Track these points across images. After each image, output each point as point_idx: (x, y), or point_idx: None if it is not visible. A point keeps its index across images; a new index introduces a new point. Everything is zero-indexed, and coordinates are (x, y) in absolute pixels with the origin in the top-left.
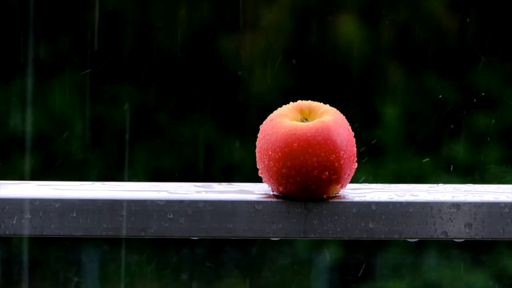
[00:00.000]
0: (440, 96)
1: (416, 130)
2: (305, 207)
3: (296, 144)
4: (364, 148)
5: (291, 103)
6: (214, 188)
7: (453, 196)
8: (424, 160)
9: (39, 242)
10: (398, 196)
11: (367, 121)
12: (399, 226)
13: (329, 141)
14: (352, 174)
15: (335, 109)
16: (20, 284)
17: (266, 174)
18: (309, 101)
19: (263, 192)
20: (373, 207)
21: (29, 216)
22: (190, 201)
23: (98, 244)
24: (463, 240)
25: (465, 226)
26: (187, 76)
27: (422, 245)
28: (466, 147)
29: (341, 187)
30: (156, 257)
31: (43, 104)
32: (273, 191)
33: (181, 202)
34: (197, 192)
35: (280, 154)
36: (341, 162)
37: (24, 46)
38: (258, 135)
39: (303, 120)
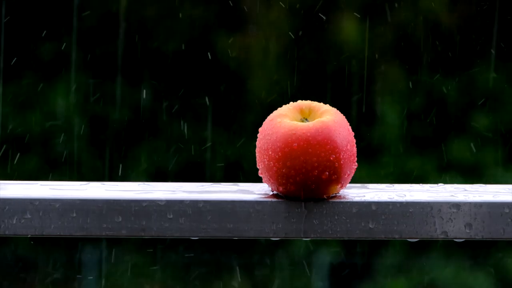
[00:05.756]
0: (440, 96)
1: (416, 130)
2: (305, 207)
3: (296, 144)
4: (364, 148)
5: (291, 103)
6: (214, 188)
7: (453, 196)
8: (424, 160)
9: (39, 242)
10: (398, 196)
11: (367, 121)
12: (399, 226)
13: (329, 141)
14: (352, 174)
15: (335, 109)
16: (19, 284)
17: (266, 174)
18: (309, 101)
19: (263, 192)
20: (373, 207)
21: (29, 216)
22: (190, 201)
23: (98, 244)
24: (463, 240)
25: (465, 226)
26: (187, 76)
27: (422, 245)
28: (466, 147)
29: (341, 187)
30: (156, 257)
31: (43, 104)
32: (273, 191)
33: (181, 202)
34: (197, 192)
35: (280, 154)
36: (341, 162)
37: (24, 46)
38: (258, 135)
39: (303, 120)
